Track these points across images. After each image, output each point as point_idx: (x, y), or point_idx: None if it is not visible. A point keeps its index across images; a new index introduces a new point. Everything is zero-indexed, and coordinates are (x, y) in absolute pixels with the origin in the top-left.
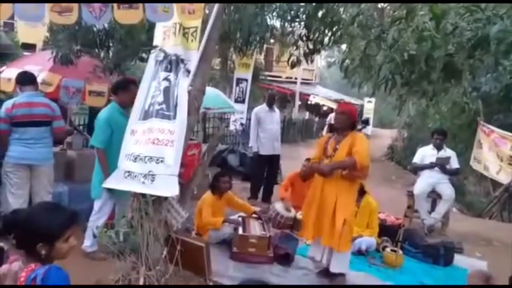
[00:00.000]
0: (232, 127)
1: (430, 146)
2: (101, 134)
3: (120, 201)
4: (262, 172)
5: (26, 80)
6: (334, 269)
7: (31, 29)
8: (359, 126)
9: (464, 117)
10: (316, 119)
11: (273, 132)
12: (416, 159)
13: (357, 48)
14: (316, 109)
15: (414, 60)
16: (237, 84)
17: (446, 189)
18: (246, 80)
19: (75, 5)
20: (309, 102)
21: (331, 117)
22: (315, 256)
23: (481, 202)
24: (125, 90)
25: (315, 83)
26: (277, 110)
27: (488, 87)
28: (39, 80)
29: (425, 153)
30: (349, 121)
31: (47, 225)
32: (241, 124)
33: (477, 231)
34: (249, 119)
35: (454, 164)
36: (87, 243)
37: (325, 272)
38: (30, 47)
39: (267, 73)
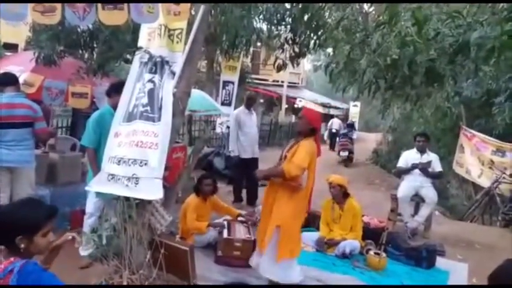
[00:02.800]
0: (218, 130)
1: (414, 150)
2: (91, 134)
3: (108, 202)
4: (243, 175)
5: (7, 81)
6: (265, 273)
7: (13, 28)
8: (344, 130)
9: (447, 122)
10: None
11: (252, 135)
12: (401, 163)
13: (342, 52)
14: None
15: (397, 64)
16: (224, 87)
17: (429, 193)
18: (233, 83)
19: (59, 5)
20: (295, 106)
21: (332, 122)
22: (260, 272)
23: (463, 205)
24: (118, 93)
25: (301, 87)
26: (254, 112)
27: (469, 92)
28: (20, 80)
29: (409, 157)
30: (307, 126)
31: (26, 218)
32: (228, 127)
33: (459, 234)
34: None
35: (437, 167)
36: (83, 246)
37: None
38: (12, 47)
39: (253, 76)
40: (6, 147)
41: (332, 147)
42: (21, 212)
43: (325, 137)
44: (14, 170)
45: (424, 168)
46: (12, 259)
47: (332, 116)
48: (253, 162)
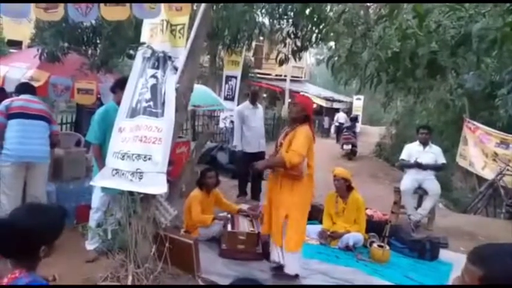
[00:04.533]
0: (221, 125)
1: (416, 143)
2: (97, 130)
3: (114, 197)
4: (248, 170)
5: (24, 89)
6: (288, 270)
7: (17, 25)
8: (347, 124)
9: (450, 114)
10: None
11: (258, 129)
12: (404, 155)
13: (343, 46)
14: None
15: (399, 57)
16: (226, 82)
17: (432, 186)
18: (235, 78)
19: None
20: None
21: (338, 117)
22: (275, 258)
23: (467, 198)
24: (123, 89)
25: (304, 81)
26: (260, 106)
27: (471, 84)
28: (27, 77)
29: (412, 150)
30: (302, 113)
31: (53, 227)
32: (231, 122)
33: (462, 226)
34: None
35: (440, 159)
36: (89, 240)
37: (279, 269)
38: (16, 44)
39: (256, 70)
40: (27, 142)
41: (339, 140)
42: (45, 221)
43: (332, 131)
44: (30, 165)
45: (426, 165)
46: (17, 273)
47: (337, 110)
48: (259, 155)
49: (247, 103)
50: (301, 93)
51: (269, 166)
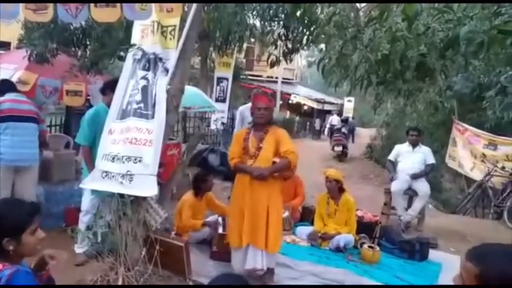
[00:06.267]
0: (213, 126)
1: (406, 143)
2: (86, 132)
3: (104, 199)
4: None
5: (7, 87)
6: (270, 264)
7: (5, 26)
8: (339, 125)
9: (440, 116)
10: (297, 118)
11: None
12: (391, 156)
13: (334, 48)
14: (297, 109)
15: (388, 59)
16: (218, 84)
17: (422, 187)
18: (227, 79)
19: (50, 3)
20: (290, 102)
21: (332, 119)
22: (256, 266)
23: (457, 199)
24: (113, 90)
25: (295, 83)
26: None
27: (460, 86)
28: (15, 78)
29: (401, 150)
30: (271, 116)
31: (10, 217)
32: (222, 123)
33: (451, 227)
34: (231, 118)
35: (429, 159)
36: (79, 243)
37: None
38: (4, 45)
39: (247, 72)
40: (18, 145)
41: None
42: (4, 213)
43: (326, 133)
44: (21, 168)
45: (413, 174)
46: (0, 266)
47: (329, 112)
48: None
49: (249, 104)
50: (293, 95)
51: (275, 171)
